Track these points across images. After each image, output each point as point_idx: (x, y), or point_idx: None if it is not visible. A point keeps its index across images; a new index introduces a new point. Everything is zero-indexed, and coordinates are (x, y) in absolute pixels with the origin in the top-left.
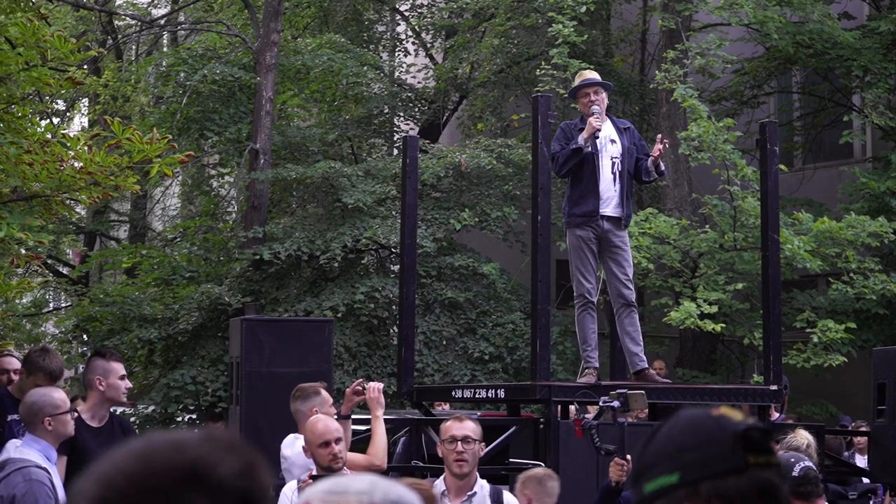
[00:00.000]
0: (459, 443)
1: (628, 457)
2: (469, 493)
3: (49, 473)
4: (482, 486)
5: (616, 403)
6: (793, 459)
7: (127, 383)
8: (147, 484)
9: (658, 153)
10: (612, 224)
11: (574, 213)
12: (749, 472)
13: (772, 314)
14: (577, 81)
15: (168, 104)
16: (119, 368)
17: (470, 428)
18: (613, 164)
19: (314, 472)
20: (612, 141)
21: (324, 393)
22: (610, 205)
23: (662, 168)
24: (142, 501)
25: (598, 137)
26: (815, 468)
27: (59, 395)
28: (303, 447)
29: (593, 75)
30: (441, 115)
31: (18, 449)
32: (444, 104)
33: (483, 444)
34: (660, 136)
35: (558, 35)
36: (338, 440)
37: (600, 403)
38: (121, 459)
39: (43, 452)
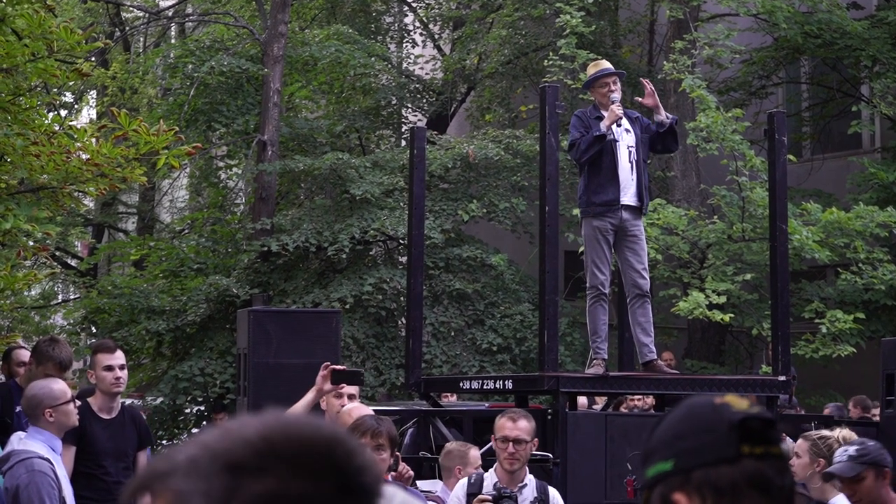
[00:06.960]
0: (511, 443)
1: None
2: (520, 483)
3: (52, 464)
4: (531, 479)
5: None
6: None
7: (116, 373)
8: (288, 452)
9: (651, 99)
10: (631, 213)
11: (593, 203)
12: (742, 463)
13: (780, 305)
14: (591, 71)
15: (176, 96)
16: (103, 359)
17: (524, 429)
18: (630, 153)
19: None
20: (627, 130)
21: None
22: (628, 193)
23: (665, 115)
24: (281, 466)
25: (619, 126)
26: None
27: (58, 386)
28: None
29: (608, 65)
30: (449, 106)
31: (22, 441)
32: (452, 95)
33: (536, 440)
34: (643, 80)
35: (566, 26)
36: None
37: None
38: (254, 424)
39: (47, 443)
